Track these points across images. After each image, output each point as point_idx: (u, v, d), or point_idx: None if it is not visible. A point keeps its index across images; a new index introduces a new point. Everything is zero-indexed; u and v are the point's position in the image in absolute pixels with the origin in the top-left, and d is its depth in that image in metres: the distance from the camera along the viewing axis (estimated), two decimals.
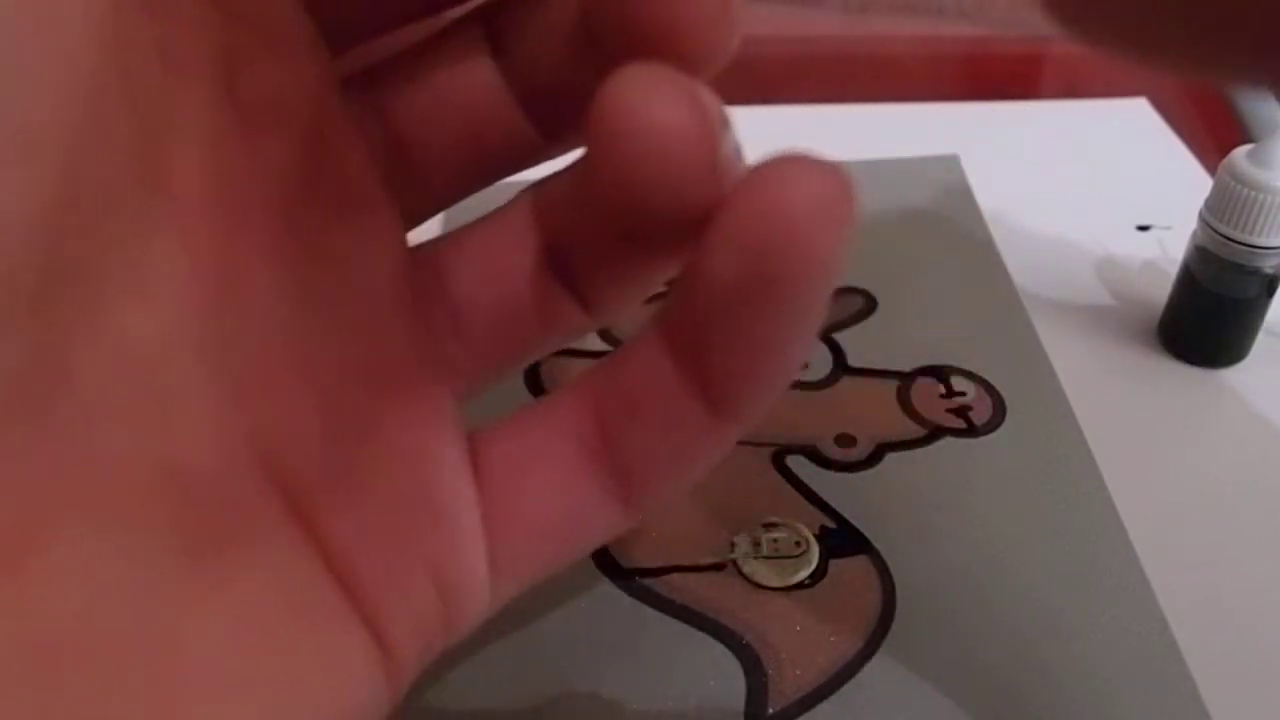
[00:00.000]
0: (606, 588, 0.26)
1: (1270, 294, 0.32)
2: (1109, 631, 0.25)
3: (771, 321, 0.14)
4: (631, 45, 0.13)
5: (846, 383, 0.32)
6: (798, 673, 0.24)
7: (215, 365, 0.13)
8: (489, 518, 0.16)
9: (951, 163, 0.42)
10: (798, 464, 0.29)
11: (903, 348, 0.33)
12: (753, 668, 0.24)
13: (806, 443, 0.30)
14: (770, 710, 0.24)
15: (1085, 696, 0.24)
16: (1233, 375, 0.33)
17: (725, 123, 0.14)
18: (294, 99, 0.14)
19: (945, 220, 0.39)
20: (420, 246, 0.18)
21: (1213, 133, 0.45)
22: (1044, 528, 0.28)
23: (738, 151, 0.14)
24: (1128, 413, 0.32)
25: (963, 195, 0.40)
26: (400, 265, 0.16)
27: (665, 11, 0.13)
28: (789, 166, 0.13)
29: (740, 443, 0.30)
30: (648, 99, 0.12)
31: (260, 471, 0.13)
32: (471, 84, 0.17)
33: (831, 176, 0.13)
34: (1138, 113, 0.46)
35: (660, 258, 0.16)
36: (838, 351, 0.33)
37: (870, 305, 0.35)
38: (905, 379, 0.32)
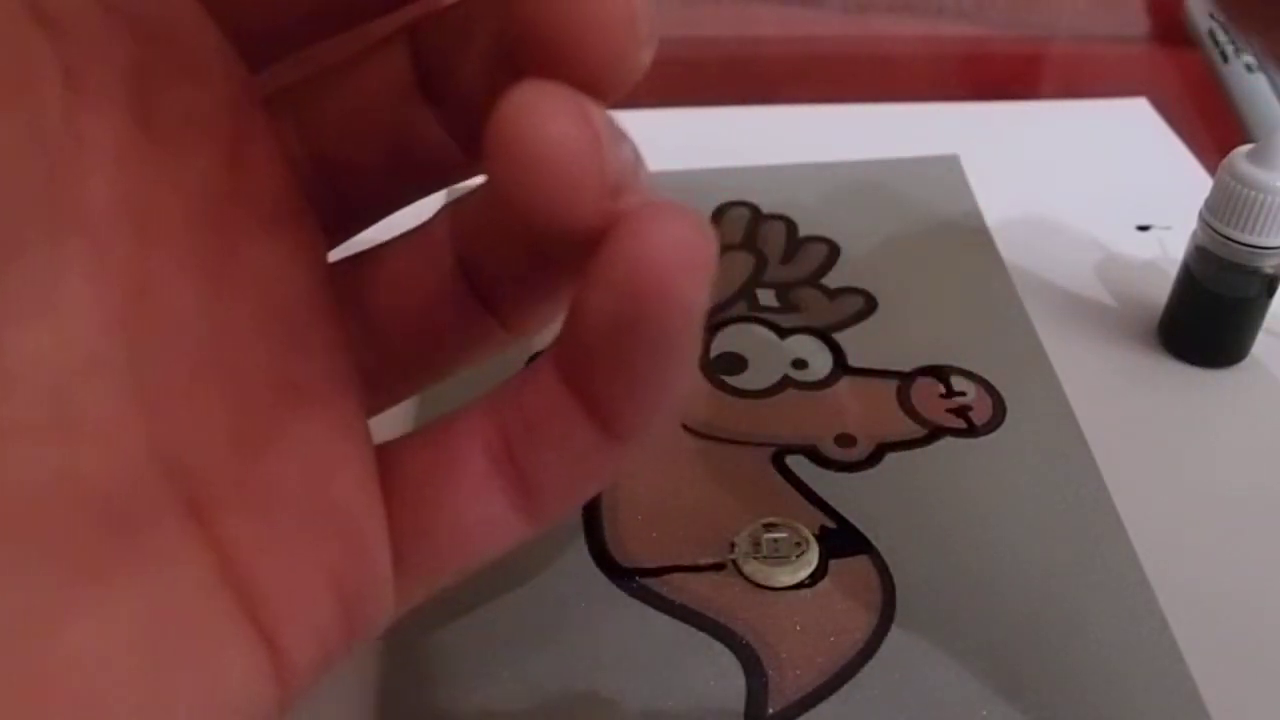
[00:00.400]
0: (606, 588, 0.26)
1: (1270, 294, 0.32)
2: (1109, 631, 0.25)
3: (646, 356, 0.15)
4: (541, 66, 0.14)
5: (846, 383, 0.32)
6: (798, 673, 0.24)
7: (122, 378, 0.13)
8: (397, 527, 0.17)
9: (951, 163, 0.42)
10: (798, 464, 0.29)
11: (903, 348, 0.33)
12: (753, 668, 0.24)
13: (806, 443, 0.30)
14: (770, 710, 0.24)
15: (1085, 696, 0.24)
16: (1233, 375, 0.33)
17: (618, 138, 0.14)
18: (210, 117, 0.15)
19: (945, 220, 0.39)
20: (340, 261, 0.18)
21: (1213, 133, 0.45)
22: (1044, 528, 0.28)
23: (633, 166, 0.15)
24: (1128, 413, 0.32)
25: (963, 195, 0.40)
26: (319, 279, 0.16)
27: (572, 35, 0.14)
28: (656, 216, 0.14)
29: (740, 443, 0.30)
30: (536, 114, 0.13)
31: (163, 481, 0.14)
32: (394, 101, 0.17)
33: (694, 226, 0.14)
34: (1138, 113, 0.46)
35: (568, 274, 0.16)
36: (838, 351, 0.33)
37: (870, 305, 0.35)
38: (905, 379, 0.32)
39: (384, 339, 0.18)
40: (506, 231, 0.16)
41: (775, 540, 0.27)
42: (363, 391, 0.17)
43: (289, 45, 0.17)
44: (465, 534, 0.17)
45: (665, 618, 0.25)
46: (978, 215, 0.39)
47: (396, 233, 0.19)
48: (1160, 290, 0.34)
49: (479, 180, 0.17)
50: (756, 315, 0.34)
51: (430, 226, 0.19)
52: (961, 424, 0.31)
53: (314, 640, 0.15)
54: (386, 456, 0.17)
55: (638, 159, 0.15)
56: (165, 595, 0.14)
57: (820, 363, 0.33)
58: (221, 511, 0.14)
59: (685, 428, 0.30)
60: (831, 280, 0.36)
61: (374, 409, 0.18)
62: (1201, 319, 0.33)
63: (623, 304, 0.14)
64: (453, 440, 0.17)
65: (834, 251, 0.37)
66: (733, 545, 0.27)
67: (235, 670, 0.14)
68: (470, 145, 0.18)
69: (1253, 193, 0.29)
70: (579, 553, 0.27)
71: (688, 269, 0.14)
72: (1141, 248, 0.38)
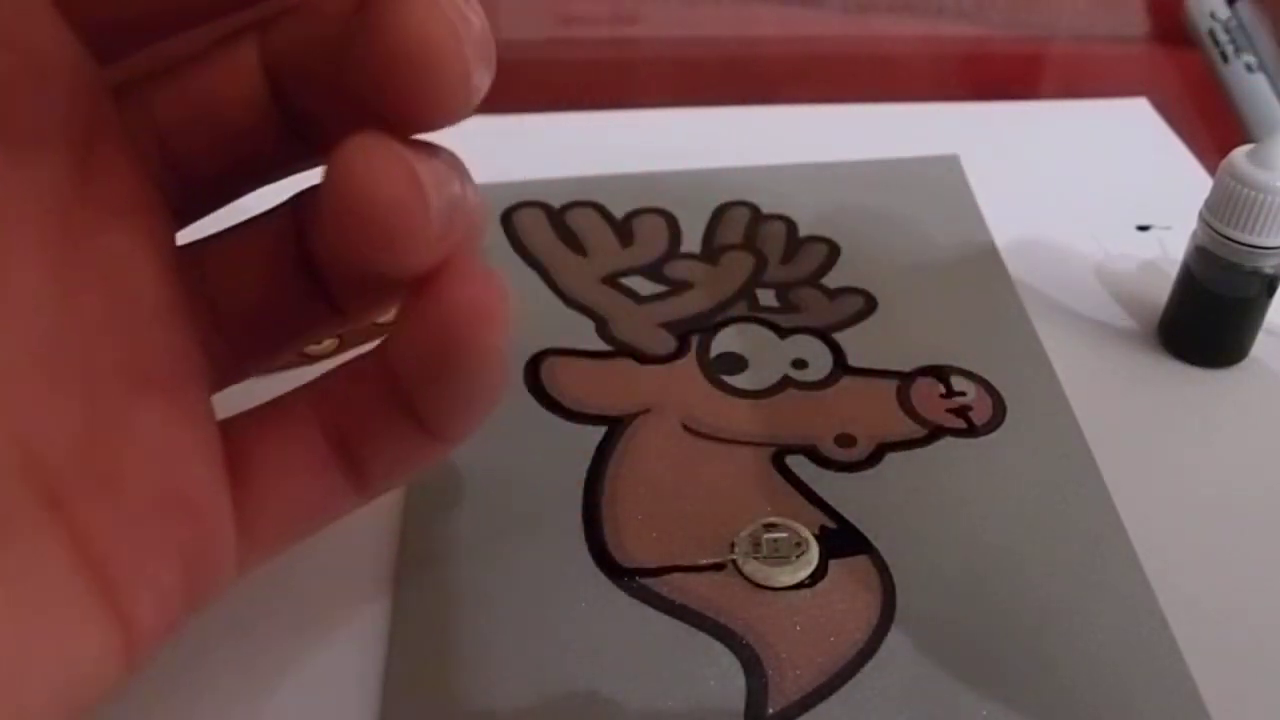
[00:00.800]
0: (606, 588, 0.26)
1: (1270, 294, 0.32)
2: (1109, 631, 0.25)
3: (457, 389, 0.17)
4: (375, 91, 0.15)
5: (846, 383, 0.32)
6: (798, 673, 0.24)
7: None
8: (241, 502, 0.18)
9: (951, 163, 0.42)
10: (798, 464, 0.29)
11: (903, 348, 0.33)
12: (753, 668, 0.24)
13: (806, 443, 0.30)
14: (770, 710, 0.24)
15: (1085, 696, 0.24)
16: (1233, 375, 0.33)
17: (445, 179, 0.16)
18: (62, 115, 0.15)
19: (945, 220, 0.39)
20: (188, 246, 0.19)
21: (1213, 133, 0.45)
22: (1044, 528, 0.28)
23: (460, 198, 0.16)
24: (1128, 413, 0.32)
25: (963, 195, 0.40)
26: (167, 267, 0.17)
27: (396, 66, 0.15)
28: (459, 280, 0.16)
29: (740, 443, 0.30)
30: (365, 178, 0.14)
31: (18, 470, 0.14)
32: (240, 95, 0.18)
33: (491, 286, 0.16)
34: (1138, 113, 0.46)
35: (398, 284, 0.17)
36: (838, 351, 0.33)
37: (870, 305, 0.35)
38: (905, 379, 0.32)
39: (228, 322, 0.20)
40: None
41: (775, 540, 0.27)
42: (208, 372, 0.18)
43: (139, 40, 0.17)
44: (305, 507, 0.19)
45: (665, 618, 0.25)
46: (978, 215, 0.39)
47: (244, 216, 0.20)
48: (1160, 290, 0.34)
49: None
50: (756, 315, 0.34)
51: (275, 216, 0.20)
52: (961, 424, 0.31)
53: (161, 611, 0.17)
54: (231, 434, 0.18)
55: (464, 185, 0.16)
56: (25, 585, 0.14)
57: (820, 363, 0.33)
58: (74, 496, 0.15)
59: (685, 428, 0.30)
60: (831, 280, 0.36)
61: (219, 386, 0.20)
62: (1201, 319, 0.33)
63: (433, 352, 0.16)
64: (294, 423, 0.19)
65: (834, 251, 0.37)
66: (733, 545, 0.27)
67: (90, 648, 0.15)
68: (313, 137, 0.19)
69: (1253, 193, 0.29)
70: (579, 553, 0.27)
71: (486, 322, 0.16)
72: (1141, 248, 0.38)
